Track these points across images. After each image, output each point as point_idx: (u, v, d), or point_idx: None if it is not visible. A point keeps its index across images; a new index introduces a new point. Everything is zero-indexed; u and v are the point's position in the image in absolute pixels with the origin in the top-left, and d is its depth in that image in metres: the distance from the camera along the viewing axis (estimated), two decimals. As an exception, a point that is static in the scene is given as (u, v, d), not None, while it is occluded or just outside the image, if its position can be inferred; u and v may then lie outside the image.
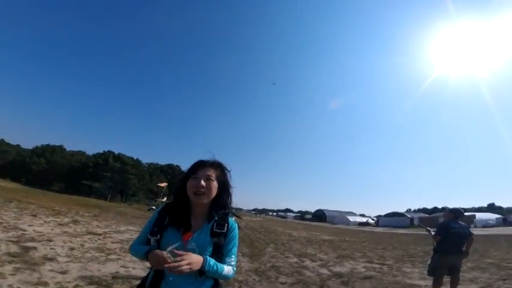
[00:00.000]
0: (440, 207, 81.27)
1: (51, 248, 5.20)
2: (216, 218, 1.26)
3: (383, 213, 67.86)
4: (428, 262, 4.62)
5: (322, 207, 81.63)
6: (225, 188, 1.31)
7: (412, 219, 51.33)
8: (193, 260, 1.09)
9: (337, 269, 6.95)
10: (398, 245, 14.23)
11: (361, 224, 55.05)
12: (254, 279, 5.24)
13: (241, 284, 4.80)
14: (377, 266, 7.60)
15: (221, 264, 1.19)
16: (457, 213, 4.52)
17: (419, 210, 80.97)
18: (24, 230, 6.43)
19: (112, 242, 7.04)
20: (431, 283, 4.48)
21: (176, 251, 1.09)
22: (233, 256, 1.27)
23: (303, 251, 9.93)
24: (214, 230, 1.23)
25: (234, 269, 1.27)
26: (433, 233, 4.48)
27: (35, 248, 4.97)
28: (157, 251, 1.12)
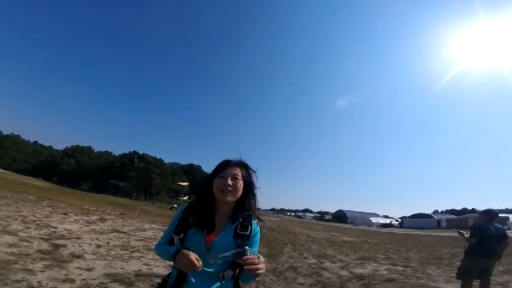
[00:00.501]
0: (469, 208, 76.69)
1: (79, 246, 5.53)
2: (240, 220, 1.25)
3: (408, 215, 65.09)
4: (457, 265, 4.42)
5: (342, 208, 79.82)
6: (250, 188, 1.31)
7: (439, 221, 48.69)
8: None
9: (358, 270, 6.77)
10: (423, 246, 13.58)
11: (384, 225, 52.99)
12: (271, 280, 5.23)
13: (258, 284, 4.81)
14: (400, 268, 7.31)
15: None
16: (491, 214, 4.35)
17: (447, 212, 76.63)
18: (55, 228, 6.88)
19: (136, 240, 7.33)
20: (459, 287, 4.26)
21: (248, 253, 1.10)
22: None
23: (322, 252, 9.75)
24: (238, 231, 1.21)
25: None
26: (466, 235, 4.27)
27: (64, 245, 5.30)
28: (187, 252, 1.10)
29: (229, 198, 1.22)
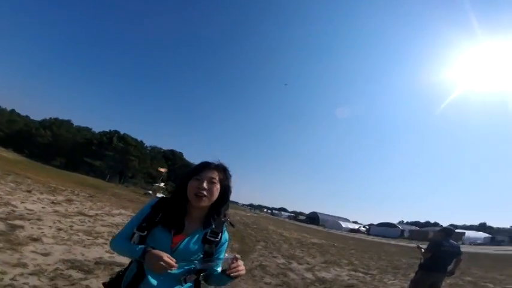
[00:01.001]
0: (432, 221, 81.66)
1: (38, 228, 5.23)
2: (213, 226, 1.20)
3: (376, 222, 68.38)
4: (411, 276, 4.67)
5: (316, 210, 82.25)
6: (226, 193, 1.25)
7: (402, 231, 51.80)
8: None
9: (322, 274, 7.02)
10: (384, 255, 14.31)
11: (352, 230, 55.52)
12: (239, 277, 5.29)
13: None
14: (361, 274, 7.66)
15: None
16: (448, 232, 4.53)
17: (411, 223, 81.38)
18: (16, 207, 6.47)
19: (102, 226, 7.09)
20: None
21: (229, 256, 1.11)
22: (219, 268, 1.22)
23: (292, 253, 10.00)
24: (208, 237, 1.17)
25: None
26: (422, 250, 4.51)
27: (22, 226, 5.00)
28: (160, 252, 1.04)
29: (203, 204, 1.16)
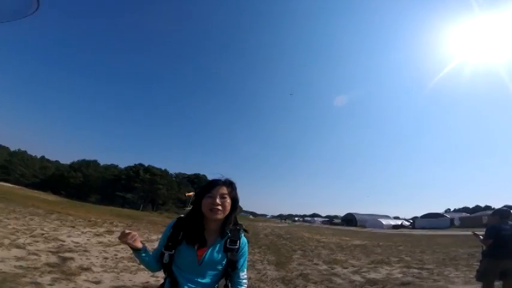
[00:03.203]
0: (482, 205, 74.63)
1: (86, 258, 5.50)
2: (229, 234, 1.35)
3: (419, 215, 63.76)
4: (476, 265, 4.29)
5: (351, 211, 78.55)
6: (236, 204, 1.40)
7: (452, 220, 47.50)
8: None
9: (371, 275, 6.57)
10: (438, 247, 13.14)
11: (395, 226, 51.82)
12: None
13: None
14: (415, 270, 7.08)
15: None
16: (503, 214, 4.22)
17: (459, 210, 74.76)
18: (63, 241, 6.88)
19: (143, 251, 7.27)
20: None
21: None
22: (245, 270, 1.39)
23: (333, 258, 9.50)
24: (228, 246, 1.32)
25: (247, 282, 1.39)
26: (481, 237, 4.16)
27: (72, 258, 5.28)
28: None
29: (219, 217, 1.31)
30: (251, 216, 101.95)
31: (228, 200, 1.34)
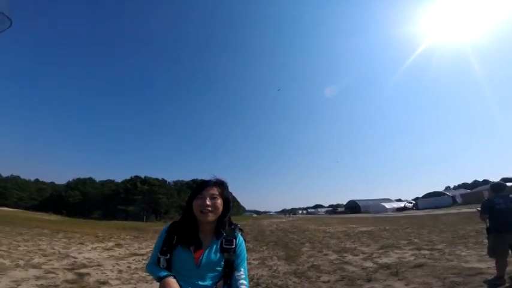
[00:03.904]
0: (480, 180, 75.68)
1: (102, 273, 5.52)
2: (225, 234, 1.33)
3: (420, 195, 64.30)
4: (486, 242, 4.32)
5: (354, 198, 79.05)
6: (228, 204, 1.37)
7: (454, 197, 48.00)
8: None
9: (383, 260, 6.64)
10: (444, 226, 13.31)
11: (399, 209, 52.15)
12: (294, 282, 5.14)
13: (280, 288, 4.73)
14: (427, 252, 7.16)
15: None
16: (496, 188, 4.23)
17: (459, 186, 75.47)
18: (75, 258, 6.89)
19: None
20: (495, 264, 4.15)
21: None
22: (242, 269, 1.33)
23: (342, 246, 9.59)
24: (224, 246, 1.30)
25: (245, 281, 1.31)
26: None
27: (88, 273, 5.30)
28: (171, 281, 1.19)
29: (210, 218, 1.28)
30: (254, 215, 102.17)
31: (219, 201, 1.32)
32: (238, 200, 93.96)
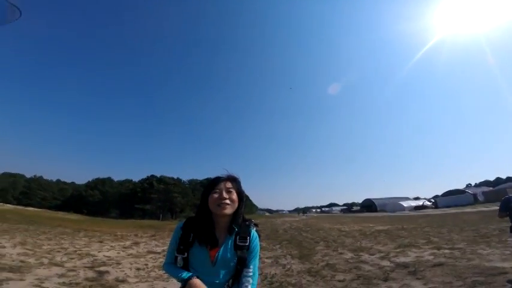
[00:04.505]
0: (504, 177, 71.77)
1: (121, 271, 5.71)
2: (238, 231, 1.32)
3: (440, 193, 61.97)
4: (510, 241, 4.13)
5: (369, 197, 77.32)
6: (242, 199, 1.37)
7: (475, 195, 45.95)
8: None
9: (401, 259, 6.47)
10: (465, 225, 12.81)
11: (417, 207, 50.46)
12: (308, 281, 5.10)
13: (295, 286, 4.71)
14: (446, 251, 6.92)
15: None
16: None
17: (481, 184, 72.10)
18: (96, 256, 7.16)
19: (171, 259, 7.46)
20: None
21: None
22: (251, 266, 1.31)
23: (358, 245, 9.40)
24: (238, 243, 1.29)
25: (250, 280, 1.29)
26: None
27: (107, 271, 5.50)
28: (198, 283, 1.19)
29: (228, 211, 1.28)
30: (267, 214, 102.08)
31: (235, 194, 1.32)
32: (251, 198, 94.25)
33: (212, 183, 1.35)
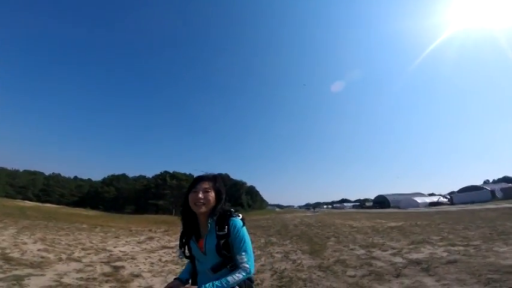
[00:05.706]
0: (524, 173, 68.47)
1: (135, 265, 5.90)
2: (217, 222, 1.44)
3: (456, 189, 60.00)
4: None
5: (382, 193, 75.80)
6: (219, 196, 1.49)
7: (493, 192, 44.20)
8: None
9: (413, 255, 6.36)
10: (482, 222, 12.40)
11: (432, 204, 49.07)
12: (319, 276, 5.10)
13: (305, 281, 4.73)
14: (461, 248, 6.74)
15: (223, 279, 1.30)
16: None
17: (499, 180, 69.12)
18: (112, 251, 7.43)
19: (185, 254, 7.66)
20: None
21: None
22: (243, 253, 1.38)
23: (370, 241, 9.28)
24: (217, 233, 1.41)
25: (247, 265, 1.36)
26: None
27: (123, 266, 5.70)
28: (175, 283, 1.42)
29: (202, 210, 1.43)
30: (277, 209, 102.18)
31: (212, 194, 1.46)
32: (261, 194, 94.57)
33: (193, 183, 1.50)
